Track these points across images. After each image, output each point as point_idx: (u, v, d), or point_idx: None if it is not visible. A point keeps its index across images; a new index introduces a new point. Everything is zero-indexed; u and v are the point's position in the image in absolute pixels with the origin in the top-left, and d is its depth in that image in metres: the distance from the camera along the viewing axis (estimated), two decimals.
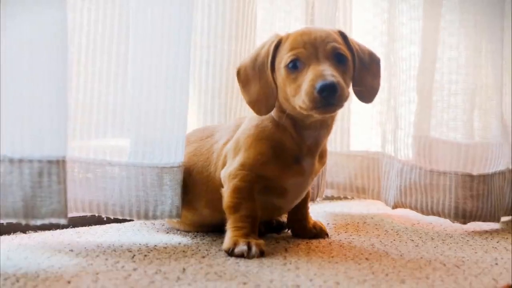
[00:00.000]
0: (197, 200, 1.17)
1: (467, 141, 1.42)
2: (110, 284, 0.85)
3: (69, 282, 0.86)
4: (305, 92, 0.99)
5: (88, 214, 1.15)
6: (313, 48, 1.03)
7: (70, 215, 1.23)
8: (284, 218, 1.28)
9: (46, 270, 0.92)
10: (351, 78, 1.08)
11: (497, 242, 1.23)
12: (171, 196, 1.13)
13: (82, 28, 1.13)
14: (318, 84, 0.97)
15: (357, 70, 1.09)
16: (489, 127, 1.45)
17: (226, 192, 1.09)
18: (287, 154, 1.09)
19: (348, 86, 1.05)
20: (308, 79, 1.00)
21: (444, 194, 1.38)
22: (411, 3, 1.45)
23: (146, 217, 1.13)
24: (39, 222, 0.97)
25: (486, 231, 1.35)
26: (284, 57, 1.04)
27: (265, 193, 1.11)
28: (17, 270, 0.91)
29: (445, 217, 1.39)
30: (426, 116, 1.45)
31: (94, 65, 1.14)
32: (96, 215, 1.14)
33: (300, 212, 1.22)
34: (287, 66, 1.04)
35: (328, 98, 0.98)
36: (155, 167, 1.13)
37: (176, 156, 1.14)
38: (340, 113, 1.57)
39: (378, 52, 1.52)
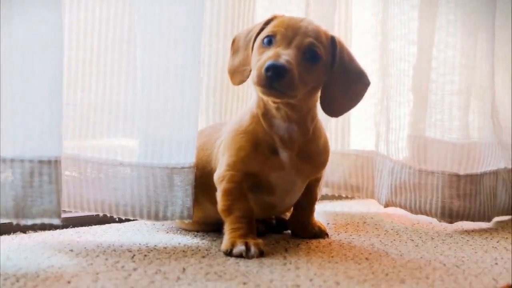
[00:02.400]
0: (201, 194, 1.17)
1: (455, 141, 1.42)
2: (110, 284, 0.85)
3: (69, 282, 0.86)
4: (256, 67, 1.00)
5: (101, 214, 1.15)
6: (292, 33, 1.03)
7: (72, 215, 1.25)
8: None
9: (46, 270, 0.92)
10: (316, 81, 1.06)
11: (497, 242, 1.23)
12: (181, 197, 1.13)
13: (94, 27, 1.14)
14: (268, 62, 0.98)
15: (333, 81, 1.08)
16: (479, 127, 1.45)
17: (218, 196, 1.10)
18: (263, 145, 1.09)
19: (306, 84, 1.03)
20: (265, 56, 1.01)
21: (431, 193, 1.38)
22: (407, 3, 1.44)
23: (156, 218, 1.14)
24: (30, 222, 0.97)
25: (486, 231, 1.35)
26: (264, 31, 1.06)
27: (255, 191, 1.11)
28: (17, 270, 0.91)
29: (432, 216, 1.39)
30: (417, 115, 1.45)
31: (106, 65, 1.15)
32: (108, 215, 1.15)
33: (303, 213, 1.22)
34: (262, 39, 1.05)
35: (272, 80, 0.98)
36: (165, 168, 1.13)
37: (187, 156, 1.14)
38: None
39: (377, 52, 1.53)
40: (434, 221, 1.45)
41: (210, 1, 1.34)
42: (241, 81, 1.11)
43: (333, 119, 1.57)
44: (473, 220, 1.39)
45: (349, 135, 1.61)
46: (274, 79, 0.97)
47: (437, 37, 1.42)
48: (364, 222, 1.41)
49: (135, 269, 0.94)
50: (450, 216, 1.37)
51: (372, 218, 1.47)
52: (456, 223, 1.40)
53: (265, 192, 1.12)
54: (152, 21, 1.11)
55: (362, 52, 1.58)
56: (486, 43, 1.43)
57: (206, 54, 1.33)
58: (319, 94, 1.10)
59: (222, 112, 1.38)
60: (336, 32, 1.51)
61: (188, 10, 1.12)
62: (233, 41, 1.15)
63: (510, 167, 1.50)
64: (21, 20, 0.95)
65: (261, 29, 1.08)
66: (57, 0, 0.98)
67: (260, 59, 1.01)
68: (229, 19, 1.36)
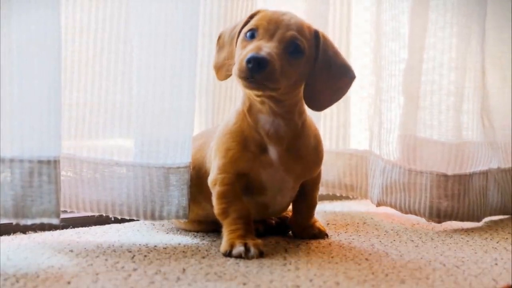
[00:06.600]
0: (199, 193, 1.17)
1: (445, 141, 1.42)
2: (110, 285, 0.85)
3: (69, 282, 0.86)
4: (239, 60, 1.00)
5: (97, 214, 1.16)
6: (274, 27, 1.03)
7: (71, 215, 1.25)
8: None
9: (46, 270, 0.92)
10: (300, 74, 1.06)
11: (497, 243, 1.23)
12: (177, 197, 1.14)
13: (90, 27, 1.14)
14: (249, 55, 0.98)
15: (317, 75, 1.07)
16: (468, 128, 1.45)
17: (213, 200, 1.10)
18: (251, 143, 1.09)
19: (289, 78, 1.03)
20: (247, 49, 1.01)
21: (420, 193, 1.39)
22: (405, 4, 1.45)
23: (152, 217, 1.14)
24: (29, 222, 0.97)
25: (486, 232, 1.35)
26: (247, 25, 1.06)
27: (247, 192, 1.11)
28: (17, 270, 0.91)
29: (420, 216, 1.40)
30: (408, 115, 1.45)
31: (102, 65, 1.15)
32: (104, 214, 1.15)
33: (302, 217, 1.21)
34: (245, 33, 1.05)
35: (253, 72, 0.97)
36: (161, 168, 1.13)
37: (183, 156, 1.14)
38: (329, 112, 1.57)
39: (374, 52, 1.53)
40: None
41: (203, 1, 1.33)
42: (227, 76, 1.11)
43: (328, 117, 1.57)
44: (462, 220, 1.39)
45: (349, 134, 1.61)
46: (255, 70, 0.97)
47: (428, 38, 1.43)
48: (364, 223, 1.41)
49: (135, 270, 0.94)
50: (438, 216, 1.38)
51: (372, 218, 1.47)
52: (456, 224, 1.41)
53: (257, 192, 1.12)
54: (149, 21, 1.12)
55: (361, 52, 1.58)
56: (477, 43, 1.43)
57: (198, 54, 1.33)
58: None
59: (214, 112, 1.39)
60: (331, 31, 1.52)
61: (185, 10, 1.12)
62: (219, 37, 1.15)
63: (503, 167, 1.50)
64: (20, 20, 0.95)
65: (245, 24, 1.08)
66: (55, 0, 0.98)
67: (242, 52, 1.02)
68: (222, 19, 1.36)
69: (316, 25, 1.19)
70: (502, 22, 1.54)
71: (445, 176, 1.38)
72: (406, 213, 1.42)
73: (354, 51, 1.58)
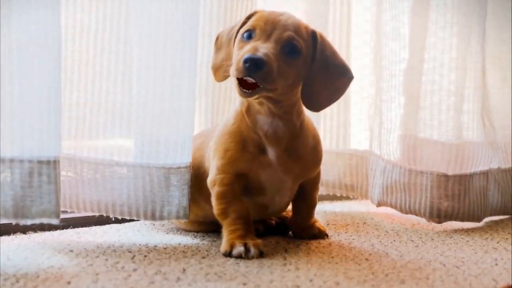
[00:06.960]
0: (198, 193, 1.17)
1: (445, 141, 1.42)
2: (110, 285, 0.85)
3: (69, 282, 0.86)
4: (236, 61, 1.00)
5: (97, 214, 1.16)
6: (271, 27, 1.03)
7: (72, 215, 1.25)
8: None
9: (46, 270, 0.92)
10: (297, 75, 1.05)
11: (497, 243, 1.23)
12: (178, 197, 1.14)
13: (90, 27, 1.14)
14: (246, 55, 0.98)
15: (314, 75, 1.07)
16: (469, 128, 1.46)
17: (212, 200, 1.10)
18: (249, 143, 1.09)
19: (286, 78, 1.03)
20: (244, 50, 1.01)
21: (420, 193, 1.39)
22: (406, 4, 1.45)
23: (153, 217, 1.14)
24: (29, 222, 0.97)
25: (486, 232, 1.35)
26: (244, 26, 1.06)
27: (246, 193, 1.11)
28: (17, 270, 0.91)
29: (421, 216, 1.40)
30: (409, 115, 1.45)
31: (102, 65, 1.15)
32: (104, 215, 1.15)
33: (302, 218, 1.21)
34: (242, 34, 1.05)
35: (250, 72, 0.97)
36: (162, 168, 1.13)
37: (183, 156, 1.14)
38: (329, 112, 1.57)
39: (374, 52, 1.53)
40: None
41: (203, 1, 1.33)
42: (225, 77, 1.11)
43: (328, 117, 1.57)
44: (462, 220, 1.40)
45: (349, 134, 1.61)
46: (252, 71, 0.97)
47: (428, 38, 1.43)
48: (364, 223, 1.41)
49: (135, 270, 0.94)
50: (438, 216, 1.38)
51: (372, 218, 1.47)
52: (456, 224, 1.41)
53: (256, 193, 1.12)
54: (149, 21, 1.12)
55: (362, 52, 1.58)
56: (477, 43, 1.44)
57: (198, 54, 1.32)
58: None
59: (214, 112, 1.39)
60: (331, 31, 1.52)
61: (185, 10, 1.12)
62: (217, 39, 1.15)
63: (503, 167, 1.50)
64: (20, 20, 0.95)
65: (243, 24, 1.08)
66: (55, 0, 0.98)
67: (239, 53, 1.02)
68: (222, 19, 1.36)
69: (316, 25, 1.20)
70: (502, 22, 1.55)
71: (446, 176, 1.38)
72: (406, 213, 1.42)
73: (354, 51, 1.58)
